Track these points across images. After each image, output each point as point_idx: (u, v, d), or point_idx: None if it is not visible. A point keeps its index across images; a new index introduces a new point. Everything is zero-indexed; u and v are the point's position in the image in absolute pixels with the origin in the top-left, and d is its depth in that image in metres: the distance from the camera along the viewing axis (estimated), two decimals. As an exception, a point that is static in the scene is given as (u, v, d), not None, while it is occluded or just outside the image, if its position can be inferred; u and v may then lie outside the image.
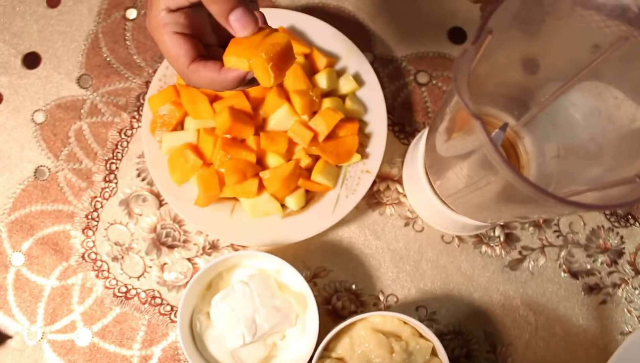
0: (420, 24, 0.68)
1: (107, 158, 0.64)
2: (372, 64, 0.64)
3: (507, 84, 0.55)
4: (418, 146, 0.59)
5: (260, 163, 0.59)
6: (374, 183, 0.63)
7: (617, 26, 0.44)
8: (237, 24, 0.38)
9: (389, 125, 0.64)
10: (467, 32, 0.68)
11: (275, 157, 0.58)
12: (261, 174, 0.57)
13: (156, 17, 0.39)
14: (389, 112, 0.64)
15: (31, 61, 0.67)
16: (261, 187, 0.58)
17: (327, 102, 0.59)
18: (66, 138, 0.65)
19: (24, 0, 0.68)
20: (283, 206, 0.60)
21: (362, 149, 0.61)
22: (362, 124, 0.61)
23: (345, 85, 0.61)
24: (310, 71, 0.61)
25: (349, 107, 0.61)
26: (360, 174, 0.60)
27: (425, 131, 0.57)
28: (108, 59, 0.67)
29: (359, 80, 0.62)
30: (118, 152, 0.65)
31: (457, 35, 0.68)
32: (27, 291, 0.61)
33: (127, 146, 0.65)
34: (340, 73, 0.62)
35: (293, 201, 0.59)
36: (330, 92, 0.61)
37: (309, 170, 0.60)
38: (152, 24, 0.40)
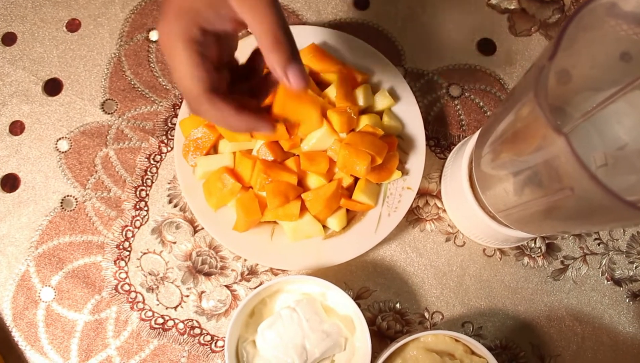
0: (448, 37, 0.67)
1: (136, 185, 0.62)
2: (403, 78, 0.63)
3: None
4: (458, 160, 0.58)
5: (301, 184, 0.57)
6: (413, 199, 0.62)
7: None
8: (295, 78, 0.38)
9: (424, 139, 0.63)
10: (496, 43, 0.67)
11: (316, 177, 0.57)
12: (303, 195, 0.56)
13: (187, 30, 0.37)
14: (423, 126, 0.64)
15: (52, 87, 0.65)
16: (303, 209, 0.56)
17: (364, 120, 0.58)
18: (92, 166, 0.63)
19: (43, 26, 0.66)
20: (324, 227, 0.58)
21: (401, 166, 0.59)
22: (400, 140, 0.60)
23: (382, 101, 0.60)
24: (345, 87, 0.60)
25: (386, 124, 0.60)
26: (401, 191, 0.59)
27: (467, 144, 0.57)
28: (132, 83, 0.65)
29: (393, 95, 0.61)
30: (147, 178, 0.63)
31: (486, 47, 0.67)
32: (59, 328, 0.59)
33: (156, 172, 0.63)
34: (375, 89, 0.61)
35: (335, 221, 0.57)
36: (367, 109, 0.60)
37: (349, 189, 0.58)
38: (177, 33, 0.37)
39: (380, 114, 0.60)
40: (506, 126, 0.45)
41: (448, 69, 0.66)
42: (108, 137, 0.63)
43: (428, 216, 0.62)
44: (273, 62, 0.37)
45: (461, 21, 0.68)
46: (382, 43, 0.67)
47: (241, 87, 0.44)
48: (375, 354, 0.54)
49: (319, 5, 0.68)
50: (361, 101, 0.59)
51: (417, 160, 0.59)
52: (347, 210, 0.59)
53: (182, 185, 0.58)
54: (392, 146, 0.59)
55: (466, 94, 0.66)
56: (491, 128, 0.49)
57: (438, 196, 0.63)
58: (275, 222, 0.59)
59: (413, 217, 0.62)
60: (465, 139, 0.60)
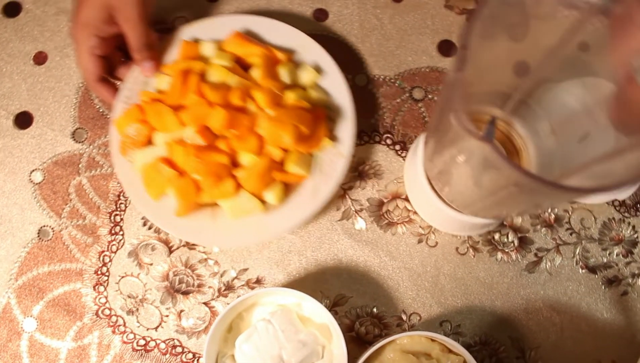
0: (409, 41, 0.68)
1: (110, 210, 0.63)
2: (366, 85, 0.64)
3: (496, 85, 0.55)
4: (415, 158, 0.58)
5: (235, 164, 0.59)
6: (383, 203, 0.63)
7: (601, 22, 0.44)
8: (144, 70, 0.61)
9: (390, 144, 0.65)
10: (456, 44, 0.68)
11: (248, 155, 0.58)
12: (235, 172, 0.57)
13: (88, 38, 0.57)
14: (388, 131, 0.65)
15: (23, 120, 0.66)
16: (238, 186, 0.58)
17: (290, 95, 0.59)
18: (67, 195, 0.64)
19: (10, 61, 0.68)
20: (263, 202, 0.59)
21: (332, 135, 0.61)
22: (329, 110, 0.62)
23: (306, 75, 0.62)
24: (269, 67, 0.61)
25: (312, 96, 0.61)
26: (333, 158, 0.60)
27: (419, 142, 0.57)
28: (101, 110, 0.66)
29: (318, 70, 0.63)
30: (121, 203, 0.64)
31: (446, 48, 0.68)
32: (42, 357, 0.60)
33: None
34: (299, 66, 0.63)
35: (272, 195, 0.58)
36: (293, 85, 0.62)
37: (282, 163, 0.60)
38: (80, 39, 0.58)
39: (306, 89, 0.62)
40: (441, 125, 0.45)
41: (410, 73, 0.67)
42: (80, 165, 0.65)
43: (399, 220, 0.63)
44: (135, 57, 0.60)
45: (420, 24, 0.69)
46: (344, 52, 0.68)
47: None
48: (354, 360, 0.54)
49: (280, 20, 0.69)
50: (285, 78, 0.61)
51: (347, 127, 0.61)
52: (285, 184, 0.60)
53: (123, 181, 0.60)
54: (320, 116, 0.60)
55: (429, 96, 0.67)
56: (431, 127, 0.50)
57: (407, 199, 0.63)
58: (216, 204, 0.60)
59: (384, 221, 0.63)
60: (417, 138, 0.60)
